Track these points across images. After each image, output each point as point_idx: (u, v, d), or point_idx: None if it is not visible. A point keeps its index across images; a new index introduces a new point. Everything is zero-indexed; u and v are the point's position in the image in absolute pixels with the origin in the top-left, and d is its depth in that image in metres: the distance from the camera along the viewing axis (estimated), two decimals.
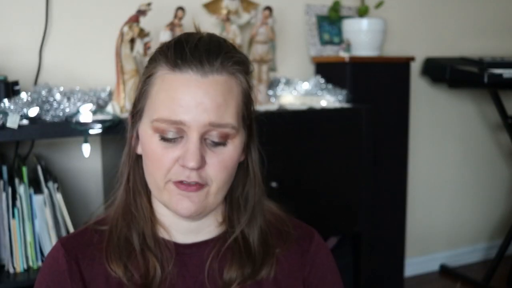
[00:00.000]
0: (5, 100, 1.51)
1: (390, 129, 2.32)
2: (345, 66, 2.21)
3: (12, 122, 1.47)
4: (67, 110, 1.58)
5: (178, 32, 1.84)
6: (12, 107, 1.50)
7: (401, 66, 2.34)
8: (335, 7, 2.37)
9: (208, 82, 0.76)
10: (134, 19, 1.72)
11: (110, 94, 1.78)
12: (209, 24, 2.04)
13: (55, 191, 1.65)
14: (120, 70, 1.71)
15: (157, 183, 0.80)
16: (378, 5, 2.34)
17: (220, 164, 0.78)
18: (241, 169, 0.87)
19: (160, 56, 0.80)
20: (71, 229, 1.65)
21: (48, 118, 1.56)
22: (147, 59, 1.76)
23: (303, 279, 0.91)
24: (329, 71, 2.27)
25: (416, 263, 2.83)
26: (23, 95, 1.56)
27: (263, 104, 1.97)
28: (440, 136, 2.85)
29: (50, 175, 1.73)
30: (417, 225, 2.81)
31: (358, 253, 2.09)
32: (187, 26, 1.86)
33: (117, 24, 1.74)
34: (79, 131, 1.56)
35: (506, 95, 2.84)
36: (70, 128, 1.55)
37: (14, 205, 1.59)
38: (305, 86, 2.08)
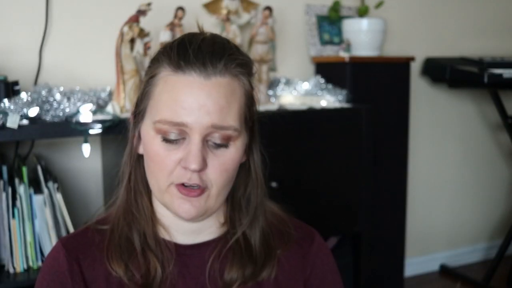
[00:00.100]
0: (5, 100, 1.51)
1: (390, 129, 2.32)
2: (345, 66, 2.21)
3: (12, 122, 1.47)
4: (67, 110, 1.58)
5: (178, 32, 1.84)
6: (12, 107, 1.50)
7: (401, 66, 2.34)
8: (335, 7, 2.37)
9: (211, 84, 0.76)
10: (134, 19, 1.72)
11: (110, 94, 1.78)
12: (209, 24, 2.04)
13: (55, 191, 1.65)
14: (120, 70, 1.71)
15: (159, 184, 0.80)
16: (378, 5, 2.34)
17: (221, 166, 0.78)
18: (243, 170, 0.87)
19: (163, 56, 0.79)
20: (71, 229, 1.65)
21: (48, 118, 1.56)
22: (147, 59, 1.78)
23: (304, 280, 0.91)
24: (329, 71, 2.27)
25: (416, 263, 2.83)
26: (23, 95, 1.56)
27: (263, 104, 1.97)
28: (440, 136, 2.85)
29: (50, 175, 1.73)
30: (417, 225, 2.81)
31: (358, 253, 2.09)
32: (187, 26, 1.86)
33: (117, 24, 1.74)
34: (79, 131, 1.56)
35: (506, 95, 2.84)
36: (70, 128, 1.55)
37: (14, 205, 1.59)
38: (305, 86, 2.08)
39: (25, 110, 1.52)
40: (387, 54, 2.50)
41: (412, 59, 2.35)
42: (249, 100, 0.82)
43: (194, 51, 0.76)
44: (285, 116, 1.76)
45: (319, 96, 2.06)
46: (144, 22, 1.75)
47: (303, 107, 1.97)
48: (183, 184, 0.78)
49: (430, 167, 2.84)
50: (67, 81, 1.89)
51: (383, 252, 2.35)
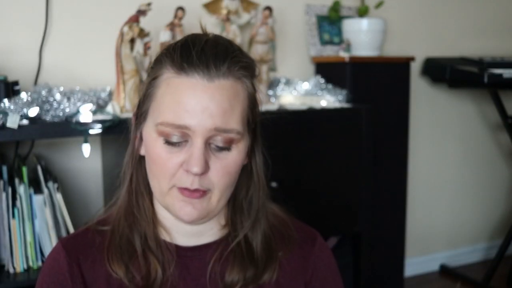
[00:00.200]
0: (5, 100, 1.51)
1: (390, 129, 2.32)
2: (345, 66, 2.21)
3: (12, 122, 1.47)
4: (67, 110, 1.57)
5: (178, 32, 1.84)
6: (12, 107, 1.50)
7: (401, 66, 2.34)
8: (335, 7, 2.37)
9: (214, 87, 0.75)
10: (134, 19, 1.72)
11: (110, 94, 1.78)
12: (209, 24, 2.02)
13: (55, 191, 1.65)
14: (120, 70, 1.71)
15: (161, 187, 0.80)
16: (378, 5, 2.34)
17: (224, 169, 0.78)
18: (245, 172, 0.86)
19: (166, 58, 0.78)
20: (71, 229, 1.65)
21: (48, 118, 1.56)
22: (147, 59, 1.78)
23: (305, 282, 0.90)
24: (329, 71, 2.27)
25: (416, 263, 2.83)
26: (23, 95, 1.55)
27: (263, 104, 1.97)
28: (440, 136, 2.85)
29: (50, 175, 1.73)
30: (417, 225, 2.81)
31: (358, 253, 2.09)
32: (187, 26, 1.86)
33: (117, 24, 1.74)
34: (79, 131, 1.55)
35: (506, 95, 2.84)
36: (70, 128, 1.55)
37: (14, 205, 1.59)
38: (305, 86, 2.08)
39: (25, 110, 1.51)
40: (387, 54, 2.50)
41: (412, 59, 2.35)
42: (252, 103, 0.82)
43: (197, 53, 0.76)
44: (285, 116, 1.76)
45: (319, 96, 2.06)
46: (144, 22, 1.75)
47: (303, 107, 1.97)
48: (185, 188, 0.78)
49: (430, 167, 2.84)
50: (67, 81, 1.89)
51: (383, 252, 2.35)
